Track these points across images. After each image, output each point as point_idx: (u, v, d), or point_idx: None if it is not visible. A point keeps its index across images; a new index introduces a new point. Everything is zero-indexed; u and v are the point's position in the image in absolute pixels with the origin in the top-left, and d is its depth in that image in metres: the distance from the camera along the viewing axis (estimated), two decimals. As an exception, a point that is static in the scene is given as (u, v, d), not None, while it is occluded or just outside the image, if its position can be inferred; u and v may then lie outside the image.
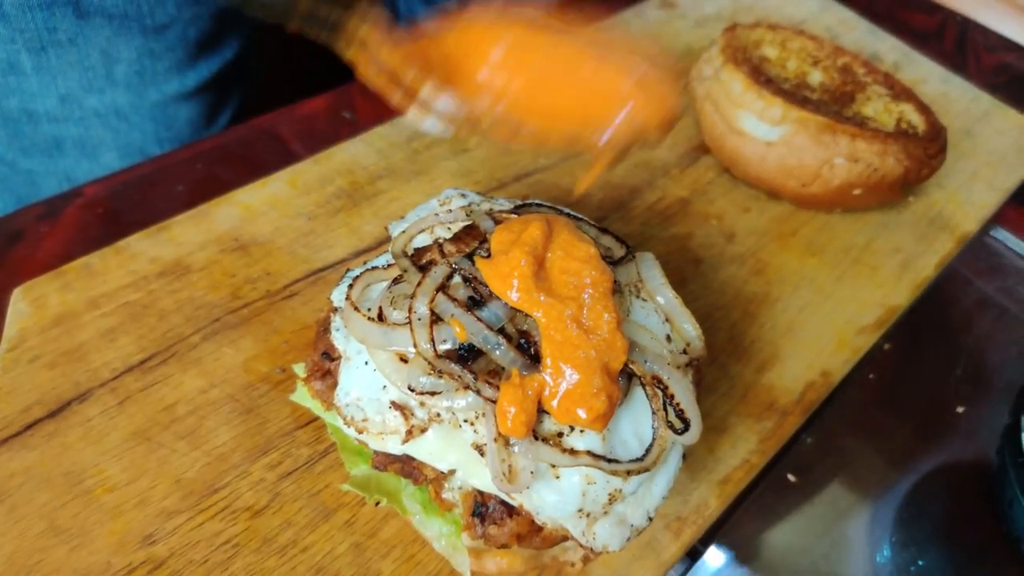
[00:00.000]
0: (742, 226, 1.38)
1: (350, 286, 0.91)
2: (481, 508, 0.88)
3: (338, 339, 0.91)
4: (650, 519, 0.93)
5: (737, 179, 1.44)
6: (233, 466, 0.98)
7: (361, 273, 0.93)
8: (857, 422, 1.28)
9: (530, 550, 0.96)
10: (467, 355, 0.84)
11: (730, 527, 1.12)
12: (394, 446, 0.88)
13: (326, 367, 0.94)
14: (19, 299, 1.04)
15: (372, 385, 0.88)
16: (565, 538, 0.91)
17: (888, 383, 1.31)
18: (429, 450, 0.88)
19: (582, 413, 0.82)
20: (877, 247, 1.38)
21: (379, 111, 1.37)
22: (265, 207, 1.20)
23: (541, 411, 0.84)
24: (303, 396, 0.97)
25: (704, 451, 1.11)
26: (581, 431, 0.84)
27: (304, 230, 1.19)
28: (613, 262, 0.97)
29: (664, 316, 0.97)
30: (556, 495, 0.85)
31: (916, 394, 1.32)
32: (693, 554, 1.09)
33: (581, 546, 0.89)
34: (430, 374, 0.84)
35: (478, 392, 0.83)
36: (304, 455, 1.00)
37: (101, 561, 0.89)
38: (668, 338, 0.95)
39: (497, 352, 0.83)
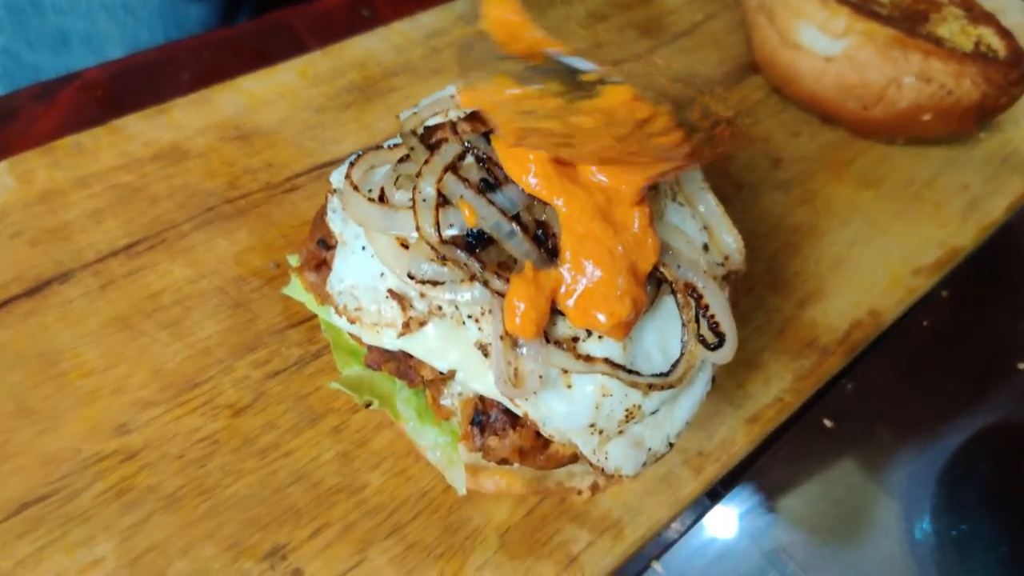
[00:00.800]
0: (790, 152, 1.26)
1: (351, 164, 0.82)
2: (481, 417, 0.79)
3: (335, 222, 0.82)
4: (670, 445, 0.83)
5: (788, 101, 1.31)
6: (217, 361, 0.90)
7: (365, 152, 0.84)
8: (905, 370, 1.17)
9: (533, 471, 0.87)
10: (476, 243, 0.74)
11: (757, 470, 1.02)
12: (389, 340, 0.79)
13: (322, 256, 0.86)
14: (5, 172, 0.96)
15: (369, 272, 0.79)
16: (573, 458, 0.82)
17: (943, 331, 1.19)
18: (427, 347, 0.79)
19: (602, 317, 0.72)
20: (942, 183, 1.25)
21: (400, 11, 1.27)
22: (272, 96, 1.11)
23: (556, 312, 0.74)
24: (296, 289, 0.89)
25: (733, 385, 1.01)
26: (600, 337, 0.75)
27: (312, 122, 1.10)
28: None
29: (702, 223, 0.87)
30: (566, 405, 0.76)
31: (973, 346, 1.20)
32: (713, 495, 1.00)
33: (592, 466, 0.80)
34: (433, 261, 0.75)
35: (485, 283, 0.73)
36: (294, 355, 0.92)
37: (71, 447, 0.82)
38: (705, 247, 0.85)
39: (511, 241, 0.74)
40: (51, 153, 0.99)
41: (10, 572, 0.75)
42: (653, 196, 0.83)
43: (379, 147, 0.84)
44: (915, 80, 1.15)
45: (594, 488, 0.90)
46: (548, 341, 0.74)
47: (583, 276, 0.73)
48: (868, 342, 1.09)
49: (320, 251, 0.86)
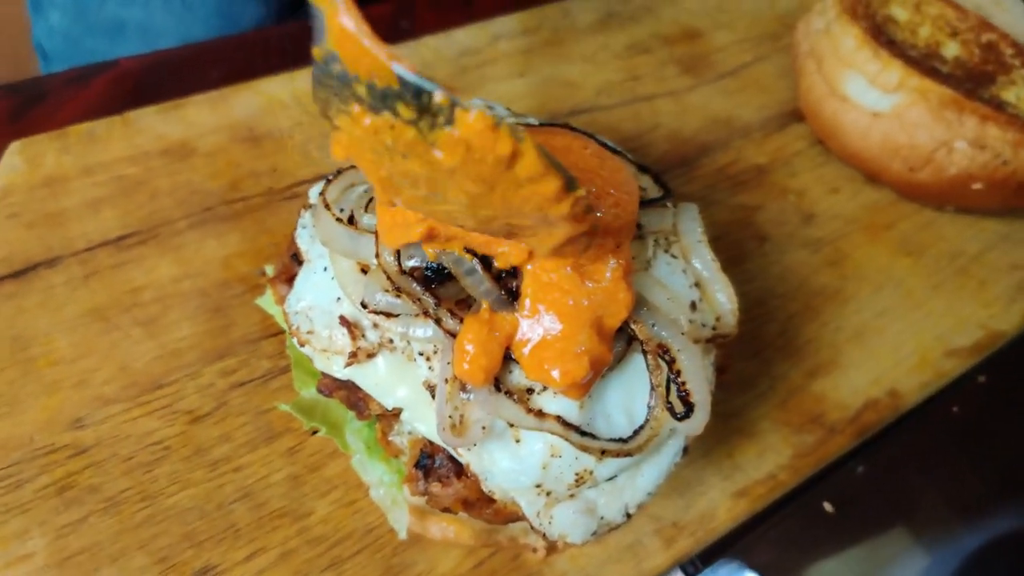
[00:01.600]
0: (826, 208, 1.18)
1: (328, 180, 0.80)
2: (427, 460, 0.75)
3: (302, 238, 0.80)
4: (628, 516, 0.78)
5: (831, 154, 1.24)
6: (185, 364, 0.89)
7: (346, 170, 0.82)
8: (925, 459, 1.07)
9: (483, 523, 0.83)
10: (434, 277, 0.71)
11: (743, 548, 0.95)
12: (338, 369, 0.76)
13: (294, 271, 0.84)
14: (14, 153, 0.98)
15: (326, 295, 0.76)
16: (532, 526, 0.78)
17: (974, 421, 1.09)
18: (376, 380, 0.75)
19: (556, 374, 0.67)
20: (990, 260, 1.15)
21: (441, 25, 1.25)
22: (289, 101, 1.10)
23: (511, 360, 0.70)
24: (269, 301, 0.87)
25: (722, 454, 0.94)
26: (555, 392, 0.70)
27: (325, 131, 1.08)
28: (645, 201, 0.82)
29: (694, 280, 0.81)
30: (511, 461, 0.71)
31: (1006, 439, 1.10)
32: (690, 569, 0.93)
33: (533, 529, 0.75)
34: (388, 291, 0.71)
35: (437, 321, 0.69)
36: (263, 367, 0.90)
37: (24, 434, 0.82)
38: (693, 305, 0.79)
39: (470, 278, 0.69)
40: (63, 138, 1.00)
41: (-59, 555, 0.75)
42: (637, 245, 0.78)
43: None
44: (968, 146, 1.06)
45: (550, 548, 0.85)
46: (499, 389, 0.69)
47: (540, 326, 0.68)
48: (882, 425, 1.00)
49: (293, 265, 0.84)
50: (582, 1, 1.33)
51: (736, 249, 1.11)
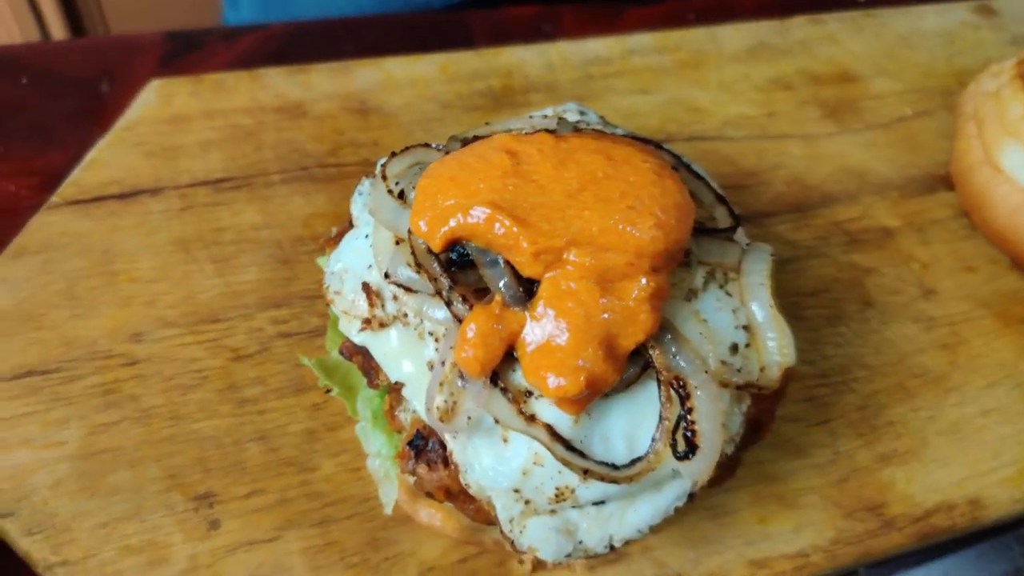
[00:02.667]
0: (953, 285, 1.06)
1: (394, 154, 0.81)
2: (420, 442, 0.74)
3: (356, 204, 0.81)
4: (610, 548, 0.73)
5: (977, 229, 1.11)
6: (243, 305, 0.93)
7: (414, 147, 0.83)
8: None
9: (471, 524, 0.81)
10: (457, 261, 0.70)
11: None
12: (355, 333, 0.77)
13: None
14: (152, 90, 1.08)
15: (361, 261, 0.77)
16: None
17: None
18: (386, 351, 0.75)
19: (551, 381, 0.64)
20: None
21: (583, 33, 1.24)
22: (406, 82, 1.13)
23: (516, 358, 0.68)
24: (326, 261, 0.90)
25: (752, 517, 0.87)
26: (551, 401, 0.68)
27: (432, 116, 1.10)
28: (705, 230, 0.77)
29: (744, 323, 0.75)
30: (493, 459, 0.69)
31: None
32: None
33: (501, 535, 0.72)
34: (410, 266, 0.72)
35: (448, 304, 0.69)
36: (312, 323, 0.93)
37: (90, 337, 0.89)
38: (735, 348, 0.73)
39: (491, 270, 0.68)
40: (196, 84, 1.09)
41: (-8, 425, 0.84)
42: (683, 272, 0.73)
43: (428, 145, 0.82)
44: None
45: (538, 564, 0.82)
46: (496, 385, 0.67)
47: (546, 332, 0.66)
48: (953, 534, 0.88)
49: (349, 227, 0.86)
50: (735, 28, 1.27)
51: (833, 308, 1.02)
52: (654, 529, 0.85)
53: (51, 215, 0.96)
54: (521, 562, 0.82)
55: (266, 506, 0.83)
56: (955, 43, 1.32)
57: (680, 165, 0.84)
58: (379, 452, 0.81)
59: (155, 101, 1.07)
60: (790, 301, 1.02)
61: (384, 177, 0.77)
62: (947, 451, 0.93)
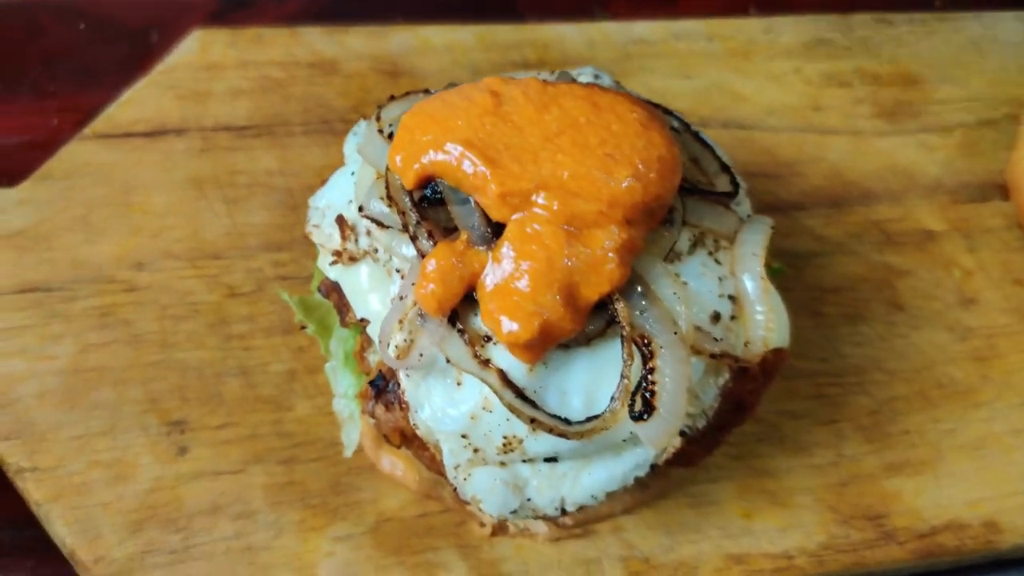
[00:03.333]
0: (997, 297, 0.98)
1: (392, 98, 0.81)
2: (381, 382, 0.73)
3: (349, 143, 0.81)
4: (560, 511, 0.70)
5: (1031, 243, 1.02)
6: (246, 245, 0.94)
7: (415, 93, 0.82)
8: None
9: (431, 476, 0.79)
10: (431, 198, 0.68)
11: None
12: (327, 266, 0.77)
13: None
14: (193, 39, 1.10)
15: (344, 196, 0.77)
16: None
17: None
18: (355, 287, 0.75)
19: (505, 325, 0.62)
20: None
21: (632, 16, 1.22)
22: (441, 48, 1.13)
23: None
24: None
25: (737, 510, 0.81)
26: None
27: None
28: (697, 191, 0.73)
29: (732, 293, 0.71)
30: (444, 401, 0.67)
31: None
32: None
33: (445, 479, 0.70)
34: (383, 200, 0.71)
35: (413, 239, 0.67)
36: (310, 269, 0.92)
37: (96, 261, 0.92)
38: (716, 317, 0.69)
39: (460, 208, 0.67)
40: (236, 36, 1.12)
41: (-10, 333, 0.87)
42: (668, 231, 0.69)
43: (428, 91, 0.81)
44: None
45: (499, 528, 0.79)
46: (454, 325, 0.65)
47: (505, 272, 0.63)
48: (962, 556, 0.81)
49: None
50: (794, 19, 1.22)
51: (857, 307, 0.96)
52: (627, 511, 0.82)
53: (80, 146, 1.00)
54: (482, 525, 0.79)
55: (236, 439, 0.83)
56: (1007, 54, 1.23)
57: (684, 129, 0.80)
58: (346, 393, 0.80)
59: (194, 49, 1.10)
60: (809, 296, 0.96)
61: (378, 119, 0.77)
62: (966, 468, 0.85)
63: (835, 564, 0.79)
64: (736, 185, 0.76)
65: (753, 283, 0.71)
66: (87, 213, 0.95)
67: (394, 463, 0.80)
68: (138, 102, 1.04)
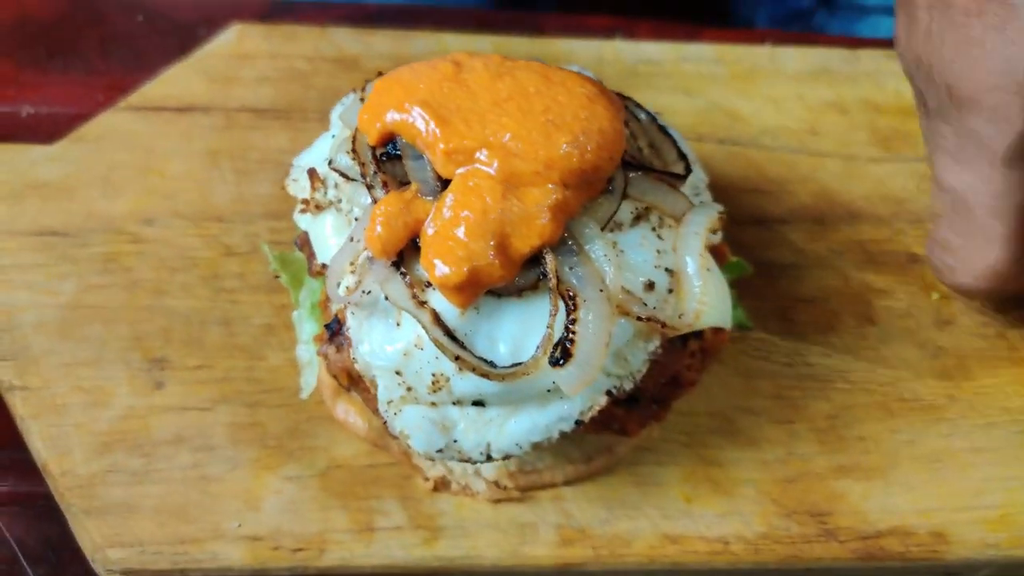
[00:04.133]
0: (975, 321, 0.97)
1: (379, 74, 0.86)
2: (336, 325, 0.77)
3: (335, 112, 0.87)
4: (486, 457, 0.73)
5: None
6: (248, 211, 1.01)
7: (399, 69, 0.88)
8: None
9: (380, 425, 0.82)
10: (391, 153, 0.74)
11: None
12: (297, 215, 0.82)
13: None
14: (232, 31, 1.19)
15: (322, 155, 0.83)
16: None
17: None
18: (319, 234, 0.80)
19: (438, 268, 0.67)
20: None
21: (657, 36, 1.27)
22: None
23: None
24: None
25: (678, 493, 0.82)
26: (447, 293, 0.69)
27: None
28: (642, 166, 0.77)
29: (667, 265, 0.74)
30: (383, 338, 0.72)
31: None
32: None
33: (374, 412, 0.73)
34: (349, 154, 0.76)
35: (369, 188, 0.73)
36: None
37: (109, 215, 0.99)
38: (650, 286, 0.72)
39: (413, 162, 0.73)
40: (271, 31, 1.20)
41: (6, 268, 0.94)
42: (609, 201, 0.73)
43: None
44: None
45: (440, 484, 0.81)
46: (398, 269, 0.70)
47: (443, 220, 0.68)
48: (907, 562, 0.79)
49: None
50: (801, 50, 1.25)
51: (829, 319, 0.96)
52: (570, 482, 0.84)
53: (114, 115, 1.09)
54: (426, 479, 0.81)
55: (209, 380, 0.88)
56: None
57: (650, 121, 0.84)
58: (308, 340, 0.84)
59: (232, 40, 1.19)
60: (782, 304, 0.97)
61: (363, 90, 0.83)
62: (919, 478, 0.84)
63: (770, 555, 0.79)
64: (688, 167, 0.79)
65: (692, 260, 0.74)
66: (108, 173, 1.03)
67: (347, 411, 0.84)
68: (172, 81, 1.13)
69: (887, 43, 1.23)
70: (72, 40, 1.27)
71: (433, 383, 0.70)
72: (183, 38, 1.27)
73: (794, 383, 0.91)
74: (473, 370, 0.67)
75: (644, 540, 0.79)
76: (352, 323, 0.73)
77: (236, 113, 1.11)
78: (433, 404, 0.72)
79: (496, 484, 0.81)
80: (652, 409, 0.77)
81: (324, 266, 0.78)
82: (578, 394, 0.69)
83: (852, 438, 0.87)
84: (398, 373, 0.71)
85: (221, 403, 0.86)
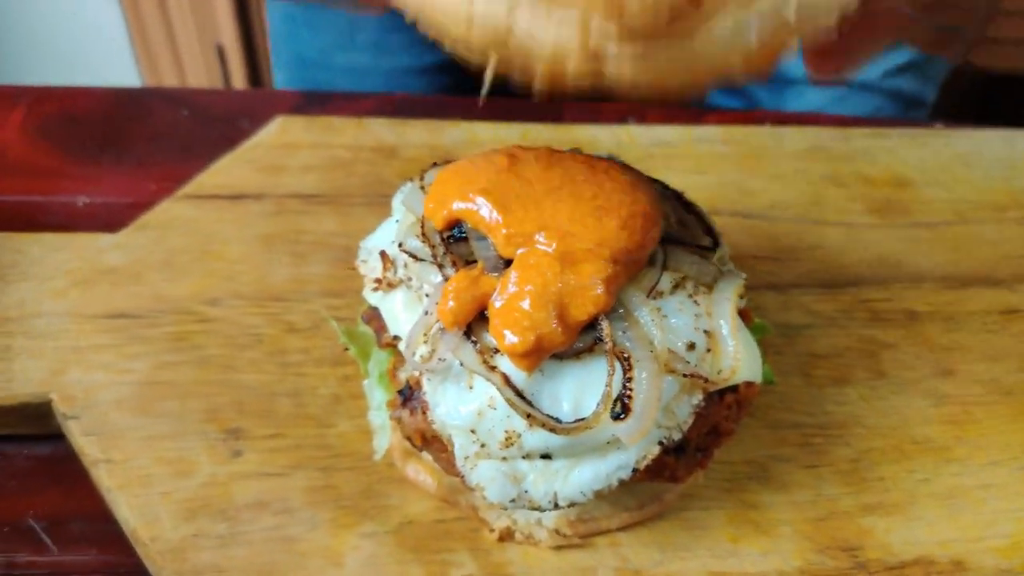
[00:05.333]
0: (976, 371, 1.07)
1: (434, 164, 0.97)
2: (408, 391, 0.85)
3: (396, 199, 0.97)
4: (553, 505, 0.80)
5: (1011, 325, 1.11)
6: (305, 291, 1.09)
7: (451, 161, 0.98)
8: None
9: (449, 483, 0.89)
10: (456, 235, 0.84)
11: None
12: (368, 293, 0.91)
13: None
14: (276, 124, 1.30)
15: (387, 238, 0.92)
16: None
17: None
18: (391, 310, 0.89)
19: (507, 337, 0.76)
20: None
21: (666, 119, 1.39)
22: (488, 141, 1.30)
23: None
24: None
25: (724, 535, 0.90)
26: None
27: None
28: (679, 242, 0.86)
29: (705, 327, 0.83)
30: (456, 400, 0.80)
31: None
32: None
33: (455, 470, 0.80)
34: (418, 237, 0.85)
35: (440, 267, 0.82)
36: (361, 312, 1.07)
37: (175, 297, 1.07)
38: (691, 346, 0.81)
39: (478, 242, 0.82)
40: (311, 123, 1.31)
41: (83, 350, 1.01)
42: (647, 270, 0.83)
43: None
44: None
45: (506, 534, 0.88)
46: (468, 337, 0.78)
47: (508, 293, 0.77)
48: (932, 591, 0.87)
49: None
50: (800, 131, 1.38)
51: (843, 372, 1.06)
52: (624, 528, 0.91)
53: (173, 204, 1.18)
54: (492, 531, 0.88)
55: (283, 448, 0.95)
56: (1016, 168, 1.36)
57: (676, 199, 0.95)
58: (379, 406, 0.92)
59: (275, 132, 1.29)
60: (800, 360, 1.07)
61: (421, 178, 0.93)
62: (936, 513, 0.93)
63: (811, 589, 0.86)
64: (715, 239, 0.89)
65: (725, 322, 0.84)
66: (171, 258, 1.12)
67: (417, 471, 0.91)
68: (224, 171, 1.23)
69: (875, 122, 1.37)
70: (121, 135, 1.37)
71: (506, 439, 0.77)
72: (226, 130, 1.37)
73: (816, 431, 1.00)
74: (542, 426, 0.75)
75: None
76: (428, 388, 0.81)
77: (285, 199, 1.20)
78: (504, 459, 0.79)
79: (557, 532, 0.88)
80: (697, 457, 0.86)
81: (396, 338, 0.86)
82: (635, 444, 0.77)
83: (873, 479, 0.96)
84: (472, 431, 0.78)
85: (296, 468, 0.93)
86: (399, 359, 0.90)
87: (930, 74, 1.81)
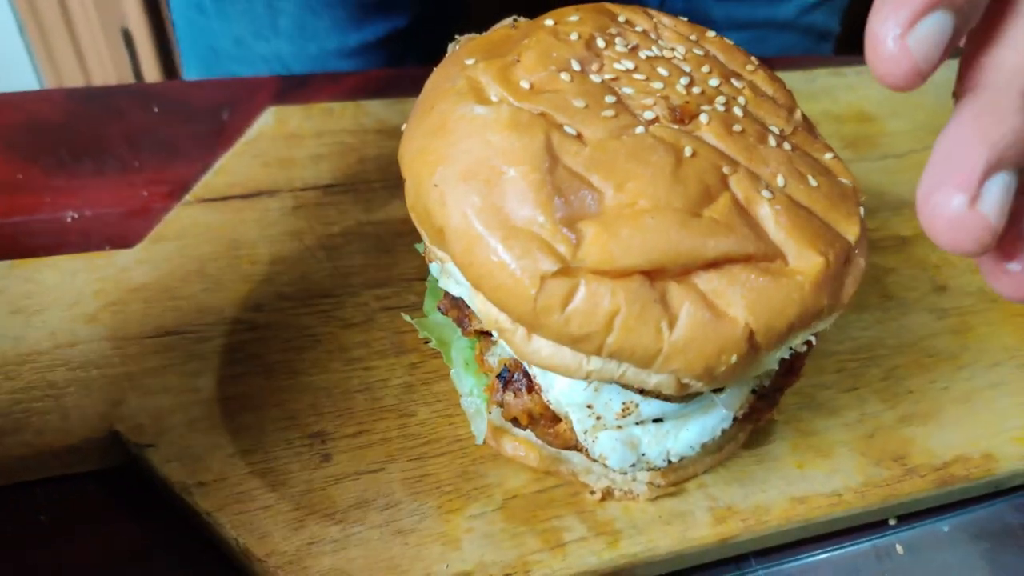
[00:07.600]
0: (962, 283, 1.20)
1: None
2: (507, 373, 0.89)
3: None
4: (668, 461, 0.87)
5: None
6: (350, 284, 1.09)
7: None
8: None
9: (549, 449, 0.94)
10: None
11: (804, 568, 0.98)
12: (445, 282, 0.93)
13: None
14: (270, 114, 1.27)
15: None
16: (578, 448, 0.88)
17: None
18: (481, 303, 0.91)
19: None
20: None
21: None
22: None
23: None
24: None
25: (792, 463, 0.99)
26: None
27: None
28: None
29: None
30: (570, 380, 0.84)
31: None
32: (741, 561, 0.97)
33: (579, 446, 0.86)
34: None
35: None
36: (411, 300, 1.08)
37: (218, 307, 1.05)
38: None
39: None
40: (308, 110, 1.29)
41: (137, 375, 0.98)
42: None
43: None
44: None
45: (606, 493, 0.94)
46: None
47: None
48: (970, 482, 1.00)
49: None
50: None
51: (858, 300, 1.16)
52: (708, 471, 0.98)
53: (185, 210, 1.14)
54: (592, 492, 0.94)
55: (370, 444, 0.96)
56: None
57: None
58: (471, 392, 0.95)
59: (272, 123, 1.26)
60: (818, 293, 1.17)
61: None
62: (960, 415, 1.06)
63: (874, 497, 0.97)
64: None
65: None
66: (201, 267, 1.09)
67: (515, 447, 0.95)
68: (229, 170, 1.19)
69: (836, 61, 1.46)
70: (94, 140, 1.29)
71: (623, 409, 0.83)
72: (207, 124, 1.32)
73: (849, 357, 1.11)
74: (656, 396, 0.81)
75: (779, 506, 0.95)
76: (538, 371, 0.85)
77: (302, 192, 1.19)
78: (619, 427, 0.85)
79: (652, 484, 0.95)
80: (776, 397, 0.94)
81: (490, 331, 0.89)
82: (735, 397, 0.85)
83: (903, 392, 1.07)
84: (589, 407, 0.83)
85: (389, 462, 0.95)
86: (484, 345, 0.93)
87: (837, 5, 1.93)
